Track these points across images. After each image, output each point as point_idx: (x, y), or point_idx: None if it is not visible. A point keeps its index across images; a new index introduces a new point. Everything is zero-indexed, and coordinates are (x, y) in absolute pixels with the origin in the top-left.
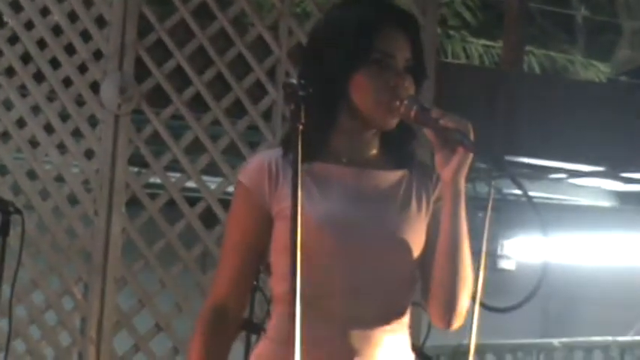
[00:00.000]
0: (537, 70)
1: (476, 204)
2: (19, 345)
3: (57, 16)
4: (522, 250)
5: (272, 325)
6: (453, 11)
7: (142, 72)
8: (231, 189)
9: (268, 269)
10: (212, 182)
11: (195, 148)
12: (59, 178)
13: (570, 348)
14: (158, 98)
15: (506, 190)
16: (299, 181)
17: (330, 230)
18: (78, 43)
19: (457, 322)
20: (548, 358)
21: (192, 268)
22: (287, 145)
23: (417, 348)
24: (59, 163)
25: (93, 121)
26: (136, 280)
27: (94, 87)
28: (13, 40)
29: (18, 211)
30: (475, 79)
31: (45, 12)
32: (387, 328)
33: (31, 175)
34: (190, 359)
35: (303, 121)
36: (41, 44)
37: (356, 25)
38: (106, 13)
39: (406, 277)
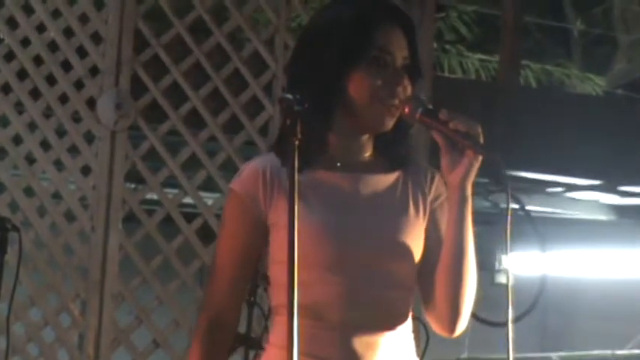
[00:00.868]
0: (534, 83)
1: (474, 218)
2: None
3: (53, 33)
4: (520, 264)
5: (274, 333)
6: (449, 26)
7: (138, 88)
8: None
9: (267, 281)
10: (209, 198)
11: (191, 164)
12: (56, 195)
13: None
14: (155, 114)
15: (504, 205)
16: (295, 198)
17: (328, 239)
18: (74, 59)
19: (460, 328)
20: None
21: (189, 284)
22: (282, 155)
23: None
24: (56, 179)
25: (89, 138)
26: (133, 296)
27: (91, 103)
28: (9, 56)
29: (15, 228)
30: (472, 93)
31: (41, 28)
32: (389, 332)
33: (28, 191)
34: None
35: (299, 136)
36: (37, 61)
37: (354, 21)
38: (101, 29)
39: (406, 281)
